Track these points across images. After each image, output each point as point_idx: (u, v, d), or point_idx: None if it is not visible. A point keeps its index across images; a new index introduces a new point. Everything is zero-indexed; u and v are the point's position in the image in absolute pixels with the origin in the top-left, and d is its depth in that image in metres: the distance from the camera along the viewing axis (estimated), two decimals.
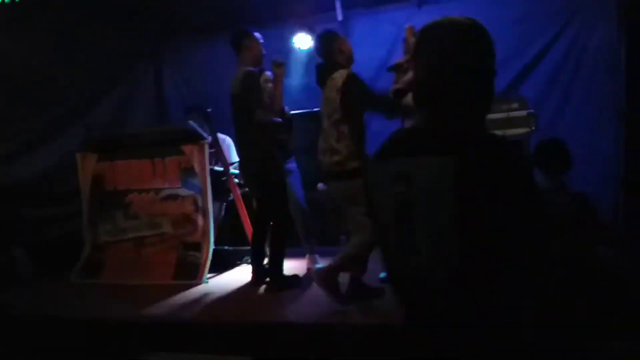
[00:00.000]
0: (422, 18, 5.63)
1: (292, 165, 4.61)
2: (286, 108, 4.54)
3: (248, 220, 4.82)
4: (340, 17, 6.12)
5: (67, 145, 5.49)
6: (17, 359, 3.56)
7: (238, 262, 5.09)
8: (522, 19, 5.48)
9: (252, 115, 4.02)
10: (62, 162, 5.55)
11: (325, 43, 3.78)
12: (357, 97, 3.53)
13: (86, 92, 6.06)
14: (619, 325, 2.45)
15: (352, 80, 3.54)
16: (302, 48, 6.29)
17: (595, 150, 5.17)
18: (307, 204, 4.75)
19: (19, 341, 3.61)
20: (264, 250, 4.44)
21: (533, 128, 4.41)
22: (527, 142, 4.38)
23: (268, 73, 4.32)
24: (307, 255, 4.70)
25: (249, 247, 4.63)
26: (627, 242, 4.62)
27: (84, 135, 5.42)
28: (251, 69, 4.12)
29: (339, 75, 3.59)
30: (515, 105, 4.53)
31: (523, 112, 4.48)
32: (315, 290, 4.07)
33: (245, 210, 4.90)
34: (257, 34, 4.26)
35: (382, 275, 4.04)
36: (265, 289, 4.12)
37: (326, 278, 3.50)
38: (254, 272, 4.38)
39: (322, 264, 4.66)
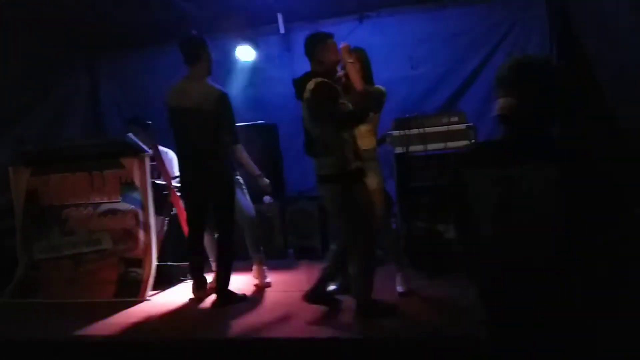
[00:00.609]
0: (364, 32, 5.79)
1: (239, 176, 4.56)
2: None
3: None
4: (282, 30, 6.13)
5: None
6: None
7: (182, 278, 4.96)
8: (461, 32, 5.67)
9: (229, 134, 4.09)
10: None
11: (308, 46, 3.56)
12: (322, 104, 3.38)
13: (14, 104, 5.77)
14: None
15: (321, 86, 3.36)
16: (244, 59, 6.29)
17: None
18: (255, 216, 4.71)
19: None
20: (202, 262, 4.42)
21: (472, 140, 4.54)
22: None
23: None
24: (255, 268, 4.64)
25: None
26: None
27: (15, 148, 5.17)
28: (222, 89, 4.09)
29: (309, 85, 3.41)
30: (455, 118, 4.65)
31: (462, 126, 4.61)
32: (264, 304, 4.05)
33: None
34: None
35: (332, 287, 4.06)
36: (212, 304, 4.05)
37: (375, 313, 3.46)
38: (195, 286, 4.31)
39: (269, 277, 4.63)
